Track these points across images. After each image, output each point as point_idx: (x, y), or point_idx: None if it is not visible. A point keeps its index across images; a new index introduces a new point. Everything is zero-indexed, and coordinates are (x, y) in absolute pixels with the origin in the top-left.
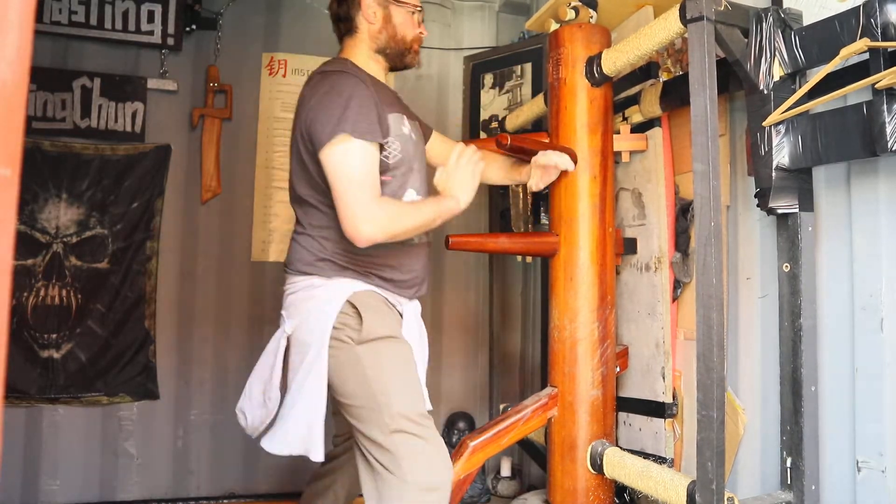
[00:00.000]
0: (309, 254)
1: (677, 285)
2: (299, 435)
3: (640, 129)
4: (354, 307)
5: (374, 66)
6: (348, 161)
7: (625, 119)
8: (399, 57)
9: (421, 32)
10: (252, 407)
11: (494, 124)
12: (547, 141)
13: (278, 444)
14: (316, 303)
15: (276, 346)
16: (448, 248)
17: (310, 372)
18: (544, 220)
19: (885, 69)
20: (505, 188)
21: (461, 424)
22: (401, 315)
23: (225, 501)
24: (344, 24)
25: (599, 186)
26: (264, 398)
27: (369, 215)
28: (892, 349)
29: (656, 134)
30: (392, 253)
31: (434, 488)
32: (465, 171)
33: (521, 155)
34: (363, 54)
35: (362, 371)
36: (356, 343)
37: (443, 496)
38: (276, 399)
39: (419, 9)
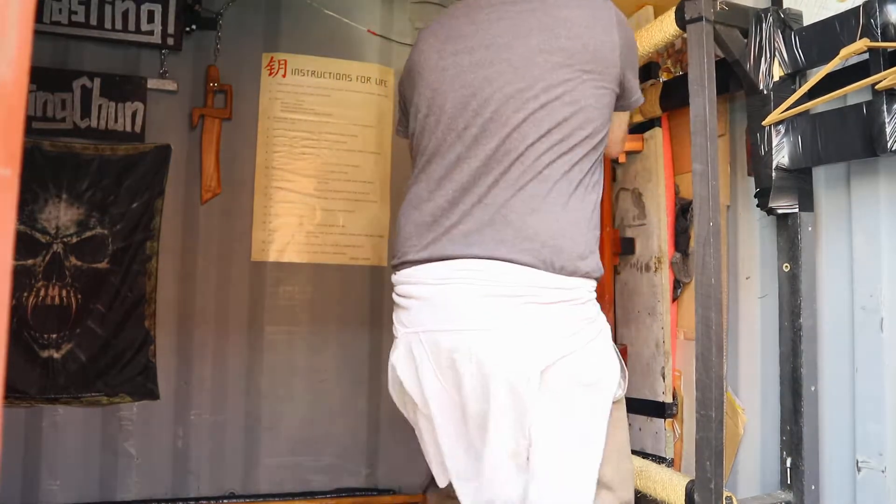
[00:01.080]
0: (579, 232)
1: (677, 285)
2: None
3: (640, 128)
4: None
5: None
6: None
7: None
8: None
9: None
10: (500, 488)
11: None
12: None
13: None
14: (592, 329)
15: (519, 387)
16: None
17: (596, 424)
18: None
19: (885, 69)
20: None
21: None
22: None
23: (225, 501)
24: None
25: None
26: (517, 463)
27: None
28: (892, 349)
29: (656, 134)
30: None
31: None
32: None
33: None
34: None
35: (622, 437)
36: (614, 400)
37: None
38: (525, 454)
39: None
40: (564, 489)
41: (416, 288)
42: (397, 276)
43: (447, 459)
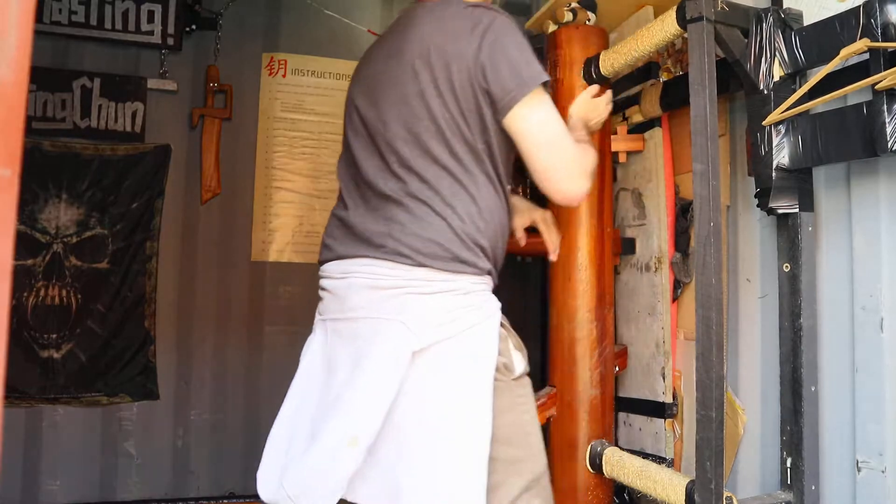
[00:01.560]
0: (449, 236)
1: (677, 285)
2: (452, 490)
3: (640, 129)
4: (505, 330)
5: None
6: (558, 117)
7: (625, 119)
8: None
9: None
10: (323, 469)
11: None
12: None
13: (390, 495)
14: (473, 316)
15: (389, 366)
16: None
17: (478, 408)
18: None
19: (885, 69)
20: None
21: None
22: None
23: (225, 502)
24: None
25: (597, 186)
26: (358, 447)
27: (584, 177)
28: (892, 349)
29: (656, 134)
30: (504, 238)
31: None
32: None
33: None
34: None
35: (518, 413)
36: (512, 378)
37: None
38: (371, 439)
39: None
40: (442, 473)
41: (327, 282)
42: (320, 272)
43: (268, 442)
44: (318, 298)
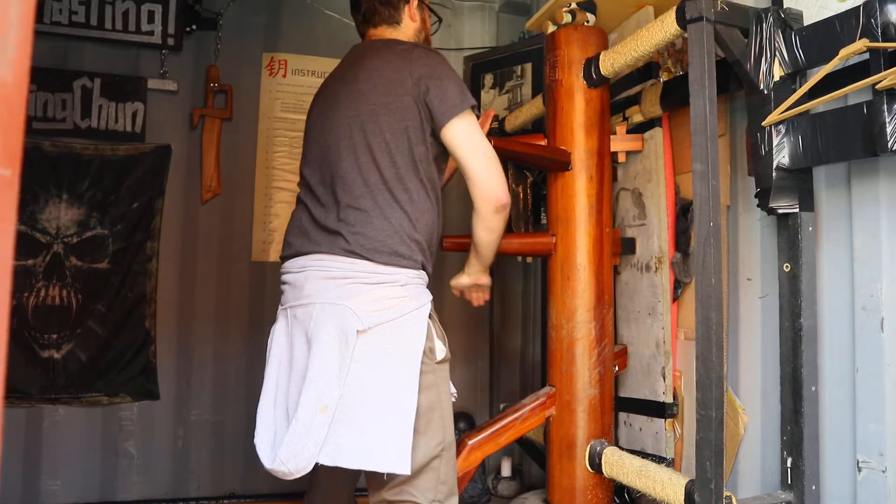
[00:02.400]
0: (392, 235)
1: (678, 285)
2: (385, 448)
3: (640, 129)
4: (432, 320)
5: None
6: (481, 132)
7: (625, 119)
8: None
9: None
10: (299, 436)
11: (494, 124)
12: (543, 143)
13: (356, 458)
14: (407, 305)
15: (337, 347)
16: (442, 250)
17: (408, 381)
18: (544, 221)
19: (885, 69)
20: None
21: (461, 424)
22: None
23: (225, 502)
24: (387, 11)
25: (596, 187)
26: (325, 415)
27: (504, 183)
28: (893, 349)
29: (656, 134)
30: (437, 240)
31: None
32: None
33: (514, 159)
34: None
35: (437, 391)
36: (436, 362)
37: None
38: (335, 405)
39: (439, 21)
40: (373, 434)
41: (288, 276)
42: (281, 268)
43: (258, 419)
44: (281, 293)
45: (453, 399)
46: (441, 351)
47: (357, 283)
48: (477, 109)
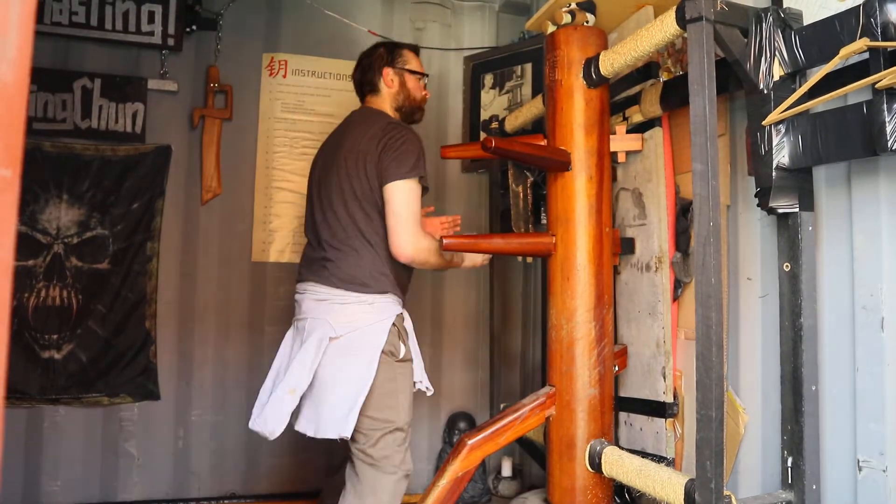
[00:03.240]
0: (361, 270)
1: (678, 285)
2: (335, 419)
3: (640, 128)
4: (397, 329)
5: None
6: (409, 196)
7: (625, 119)
8: (410, 114)
9: (425, 95)
10: (276, 408)
11: (495, 124)
12: (537, 143)
13: (327, 427)
14: (374, 319)
15: (315, 348)
16: (442, 250)
17: (361, 373)
18: (544, 221)
19: (884, 69)
20: (505, 188)
21: (462, 424)
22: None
23: (225, 502)
24: (367, 87)
25: (596, 187)
26: (292, 395)
27: (416, 242)
28: (893, 348)
29: (656, 134)
30: (402, 277)
31: (409, 474)
32: (482, 259)
33: (510, 159)
34: (388, 111)
35: (394, 382)
36: (395, 360)
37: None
38: (303, 390)
39: (426, 76)
40: (336, 410)
41: (297, 295)
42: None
43: (259, 395)
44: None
45: (428, 393)
46: (405, 354)
47: (335, 303)
48: (424, 179)
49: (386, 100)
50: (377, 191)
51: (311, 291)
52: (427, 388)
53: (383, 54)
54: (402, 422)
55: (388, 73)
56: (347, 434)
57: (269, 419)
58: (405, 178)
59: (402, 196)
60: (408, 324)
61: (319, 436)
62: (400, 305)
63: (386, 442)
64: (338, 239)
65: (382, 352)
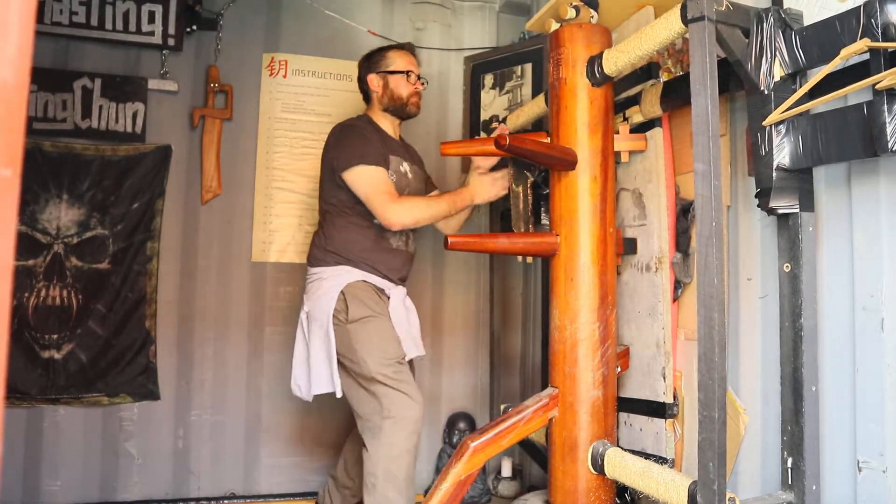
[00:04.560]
0: (318, 249)
1: (678, 285)
2: (325, 376)
3: (640, 129)
4: (344, 297)
5: (385, 121)
6: (364, 179)
7: (625, 119)
8: (399, 111)
9: (416, 87)
10: (303, 375)
11: (495, 124)
12: (547, 141)
13: (317, 386)
14: (323, 290)
15: (301, 321)
16: (447, 248)
17: (324, 338)
18: (545, 221)
19: (885, 69)
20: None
21: (462, 424)
22: (388, 297)
23: (225, 502)
24: (363, 95)
25: (600, 186)
26: (308, 363)
27: (391, 209)
28: (893, 349)
29: (657, 134)
30: (374, 253)
31: (407, 418)
32: (486, 179)
33: (521, 156)
34: (377, 113)
35: (349, 341)
36: (346, 322)
37: (416, 424)
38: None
39: (411, 71)
40: (319, 370)
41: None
42: None
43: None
44: None
45: (409, 356)
46: (354, 314)
47: (307, 282)
48: (369, 164)
49: (376, 104)
50: (332, 185)
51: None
52: (407, 357)
53: (365, 63)
54: (369, 371)
55: (373, 79)
56: (336, 389)
57: (301, 385)
58: (352, 166)
59: (358, 180)
60: (395, 296)
61: (313, 391)
62: (360, 274)
63: (365, 397)
64: (318, 225)
65: (332, 316)
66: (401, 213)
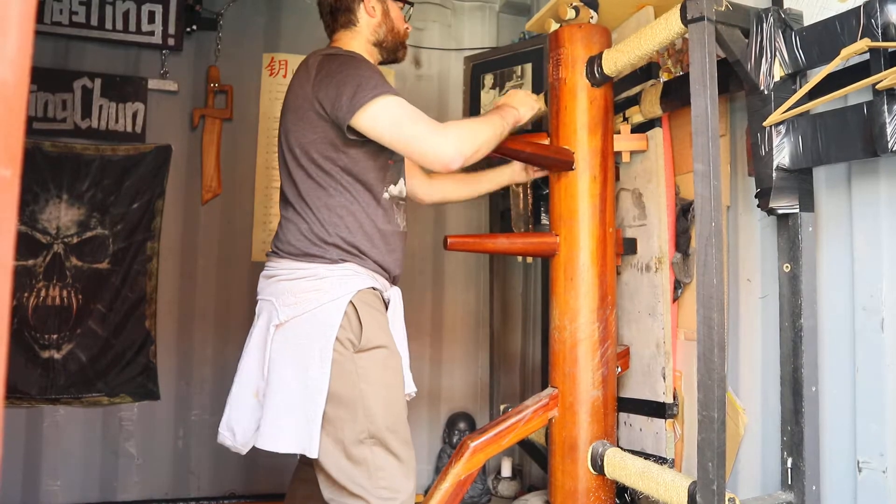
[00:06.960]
0: (304, 239)
1: (678, 286)
2: (297, 431)
3: (640, 129)
4: (356, 310)
5: (368, 59)
6: (396, 111)
7: (625, 119)
8: (393, 50)
9: (408, 28)
10: (243, 416)
11: None
12: (546, 142)
13: (274, 442)
14: (322, 297)
15: (263, 338)
16: (446, 249)
17: (317, 370)
18: (545, 221)
19: (885, 69)
20: (505, 189)
21: (462, 424)
22: (386, 302)
23: (225, 502)
24: (343, 16)
25: (600, 187)
26: (258, 399)
27: (447, 137)
28: (893, 349)
29: (657, 134)
30: (385, 241)
31: (400, 495)
32: (524, 93)
33: (517, 158)
34: (360, 47)
35: (354, 380)
36: (355, 351)
37: (410, 501)
38: (263, 394)
39: (410, 5)
40: (288, 422)
41: None
42: None
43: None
44: None
45: (409, 396)
46: (369, 340)
47: (281, 280)
48: (388, 95)
49: (362, 33)
50: (323, 142)
51: (266, 266)
52: (409, 394)
53: None
54: (376, 426)
55: (369, 1)
56: (313, 453)
57: (236, 431)
58: (373, 98)
59: (382, 114)
60: (394, 299)
61: (261, 447)
62: (369, 278)
63: (348, 464)
64: (285, 206)
65: (337, 340)
66: (458, 141)
